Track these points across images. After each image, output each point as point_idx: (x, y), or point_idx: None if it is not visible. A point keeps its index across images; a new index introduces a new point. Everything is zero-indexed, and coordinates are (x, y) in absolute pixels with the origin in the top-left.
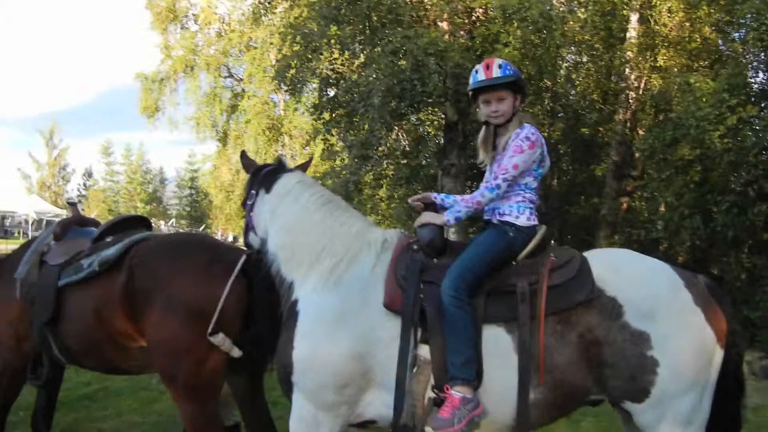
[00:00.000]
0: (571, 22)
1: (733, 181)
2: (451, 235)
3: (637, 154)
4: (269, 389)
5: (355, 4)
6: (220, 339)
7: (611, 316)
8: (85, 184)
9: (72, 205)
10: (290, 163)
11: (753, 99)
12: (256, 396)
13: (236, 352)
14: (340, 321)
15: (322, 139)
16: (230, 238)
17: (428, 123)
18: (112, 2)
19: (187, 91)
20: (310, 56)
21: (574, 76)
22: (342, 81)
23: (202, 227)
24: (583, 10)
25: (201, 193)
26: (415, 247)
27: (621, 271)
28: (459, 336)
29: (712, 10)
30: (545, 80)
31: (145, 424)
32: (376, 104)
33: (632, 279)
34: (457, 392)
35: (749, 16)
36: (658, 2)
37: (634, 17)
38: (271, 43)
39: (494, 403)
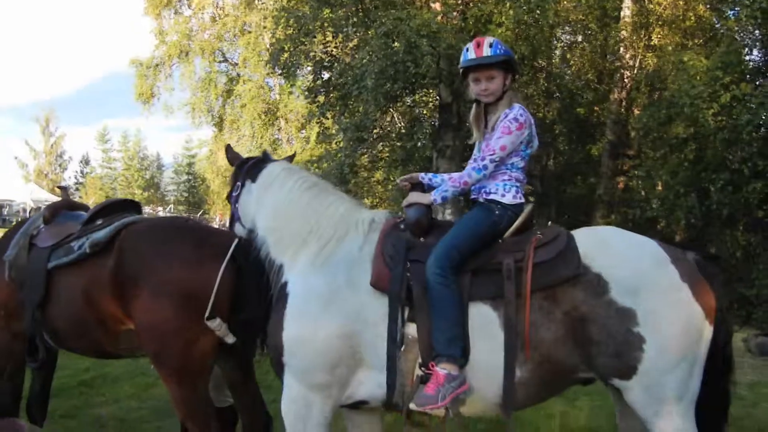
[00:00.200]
0: (565, 2)
1: (728, 159)
2: (448, 216)
3: (632, 133)
4: (264, 373)
5: None
6: (216, 324)
7: (597, 292)
8: (82, 172)
9: (62, 189)
10: (287, 150)
11: (747, 77)
12: (247, 379)
13: (230, 339)
14: (329, 301)
15: (317, 123)
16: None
17: (423, 105)
18: None
19: (182, 76)
20: (303, 39)
21: (568, 56)
22: (336, 64)
23: (200, 212)
24: None
25: (198, 179)
26: (402, 226)
27: (607, 248)
28: (444, 314)
29: None
30: (540, 60)
31: (142, 409)
32: (370, 86)
33: (617, 255)
34: (442, 369)
35: None
36: None
37: None
38: (265, 27)
39: (481, 381)
